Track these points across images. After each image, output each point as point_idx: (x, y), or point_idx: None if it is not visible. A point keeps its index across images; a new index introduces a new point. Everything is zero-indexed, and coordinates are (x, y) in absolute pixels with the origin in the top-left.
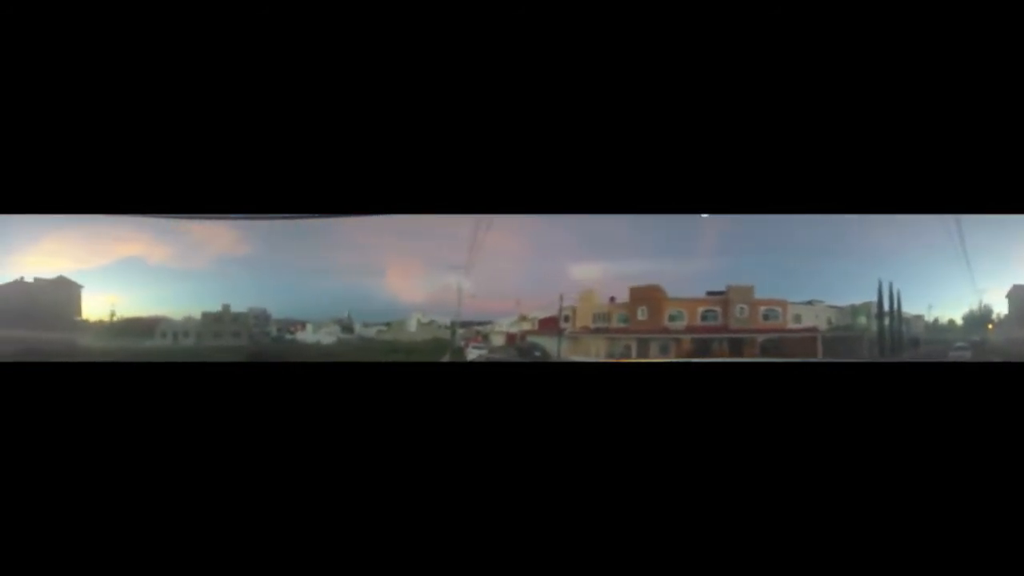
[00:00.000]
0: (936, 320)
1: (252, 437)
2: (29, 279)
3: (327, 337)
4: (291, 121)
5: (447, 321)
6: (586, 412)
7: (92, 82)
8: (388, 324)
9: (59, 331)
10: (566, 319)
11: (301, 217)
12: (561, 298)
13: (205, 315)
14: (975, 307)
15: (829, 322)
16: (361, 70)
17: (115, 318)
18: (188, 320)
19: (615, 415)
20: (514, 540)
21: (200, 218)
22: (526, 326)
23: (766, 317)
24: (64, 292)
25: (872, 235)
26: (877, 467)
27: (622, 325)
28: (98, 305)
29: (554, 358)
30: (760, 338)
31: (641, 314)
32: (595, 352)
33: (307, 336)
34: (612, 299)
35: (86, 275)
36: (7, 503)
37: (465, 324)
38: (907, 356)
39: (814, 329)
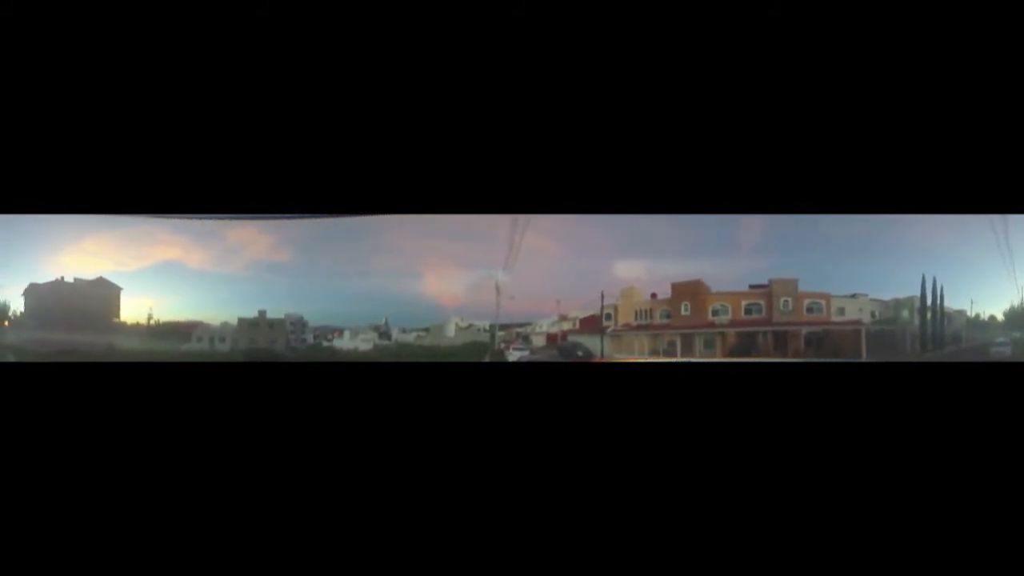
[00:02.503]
0: (978, 316)
1: (288, 439)
2: (69, 279)
3: (364, 344)
4: (329, 122)
5: (486, 324)
6: (619, 411)
7: (127, 85)
8: (426, 329)
9: (97, 333)
10: (608, 317)
11: (337, 216)
12: (602, 296)
13: (241, 321)
14: (1017, 303)
15: (873, 316)
16: (397, 71)
17: (153, 322)
18: (224, 326)
19: (651, 415)
20: (544, 536)
21: (235, 218)
22: (567, 326)
23: (810, 310)
24: (103, 293)
25: (916, 231)
26: (900, 468)
27: (665, 321)
28: (136, 307)
29: (597, 357)
30: (804, 331)
31: (684, 309)
32: (639, 349)
33: (344, 343)
34: (654, 295)
35: (125, 277)
36: (39, 493)
37: (505, 326)
38: (949, 350)
39: (858, 322)
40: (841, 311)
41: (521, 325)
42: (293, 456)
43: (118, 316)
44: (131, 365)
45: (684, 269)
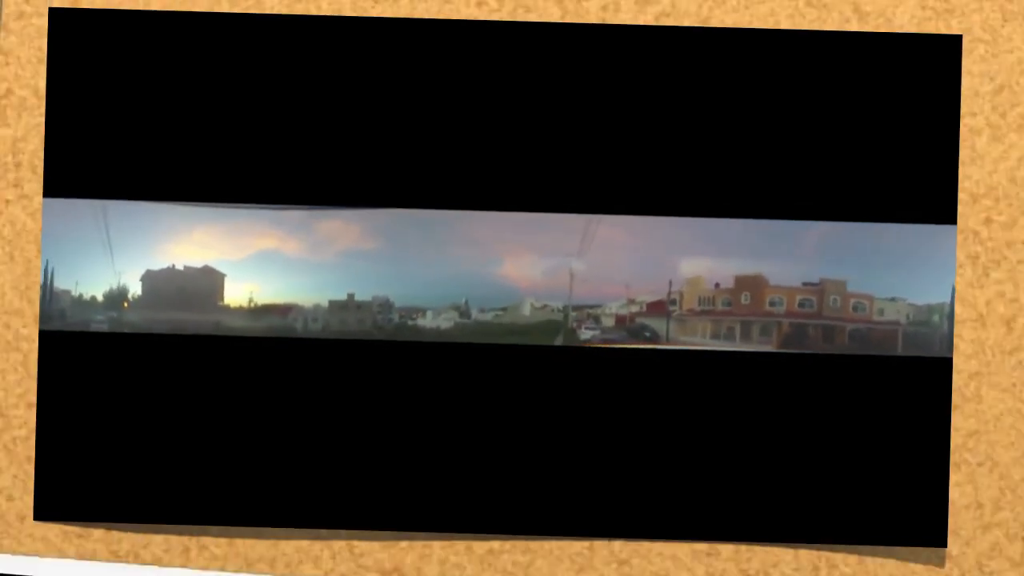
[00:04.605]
0: None
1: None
2: (180, 267)
3: (445, 323)
4: (413, 123)
5: (559, 305)
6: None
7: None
8: (504, 309)
9: (204, 314)
10: (673, 302)
11: (421, 210)
12: (670, 283)
13: (332, 303)
14: None
15: (908, 317)
16: (479, 80)
17: (252, 304)
18: (317, 307)
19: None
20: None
21: (326, 209)
22: (635, 309)
23: (855, 308)
24: (209, 280)
25: (952, 242)
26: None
27: (726, 308)
28: (239, 292)
29: (663, 338)
30: (849, 327)
31: (744, 299)
32: (701, 332)
33: (427, 322)
34: (717, 285)
35: (229, 265)
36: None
37: (577, 307)
38: None
39: (896, 322)
40: (881, 311)
41: (592, 307)
42: (369, 426)
43: (222, 299)
44: (233, 339)
45: (744, 265)
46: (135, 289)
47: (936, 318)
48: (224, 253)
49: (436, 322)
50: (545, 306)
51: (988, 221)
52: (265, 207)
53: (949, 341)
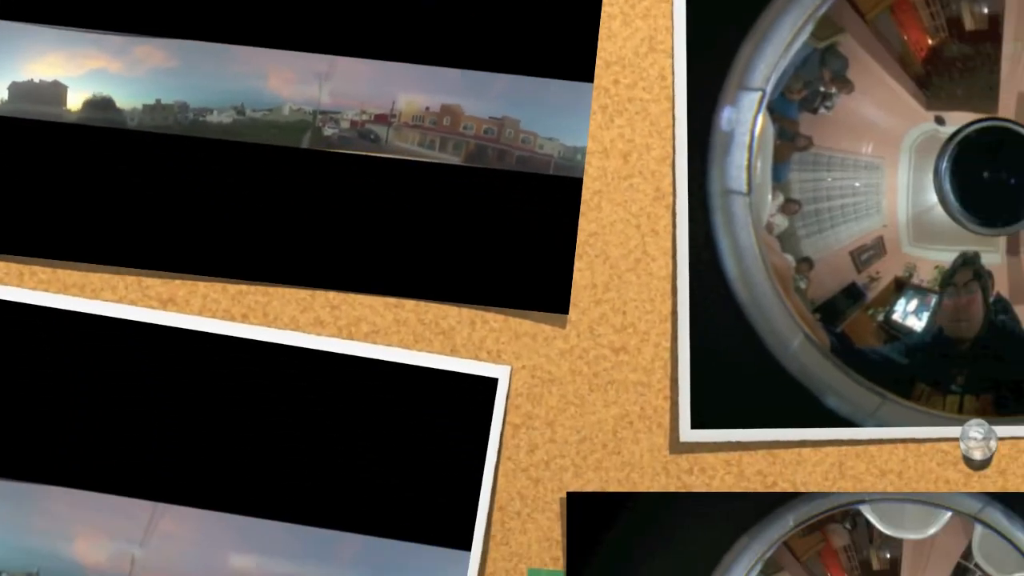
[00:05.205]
0: None
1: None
2: (36, 80)
3: (227, 119)
4: None
5: (311, 109)
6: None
7: None
8: (269, 110)
9: (53, 108)
10: (394, 116)
11: (210, 43)
12: (393, 103)
13: (144, 106)
14: None
15: (559, 153)
16: None
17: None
18: (134, 110)
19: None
20: None
21: (140, 37)
22: (365, 117)
23: (523, 141)
24: (57, 91)
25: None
26: None
27: (432, 126)
28: (78, 99)
29: (383, 140)
30: (516, 153)
31: (445, 121)
32: (411, 140)
33: (213, 118)
34: (427, 109)
35: (70, 80)
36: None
37: (323, 112)
38: None
39: (550, 155)
40: (542, 146)
41: (334, 113)
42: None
43: (66, 105)
44: (73, 125)
45: (449, 99)
46: (3, 96)
47: (579, 157)
48: (68, 71)
49: (220, 118)
50: (300, 109)
51: (616, 82)
52: (96, 32)
53: (582, 166)
